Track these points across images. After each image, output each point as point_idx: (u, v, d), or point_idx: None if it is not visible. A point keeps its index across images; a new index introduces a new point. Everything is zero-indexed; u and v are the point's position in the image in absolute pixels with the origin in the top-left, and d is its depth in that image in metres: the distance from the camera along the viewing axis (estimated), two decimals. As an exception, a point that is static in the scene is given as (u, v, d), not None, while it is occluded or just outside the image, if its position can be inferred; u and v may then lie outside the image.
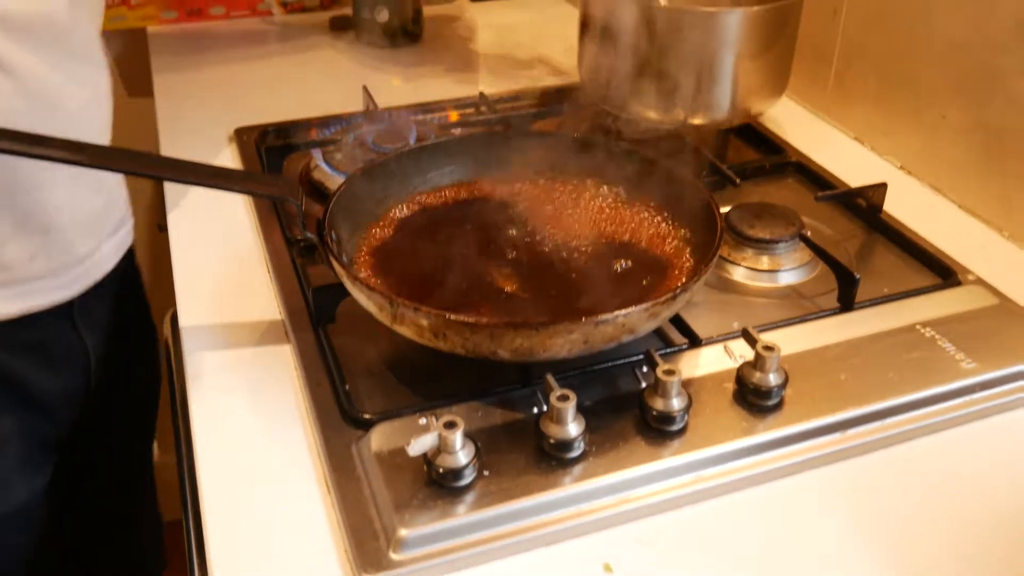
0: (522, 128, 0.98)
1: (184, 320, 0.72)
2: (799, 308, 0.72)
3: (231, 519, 0.55)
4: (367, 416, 0.60)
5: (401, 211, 0.76)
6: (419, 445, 0.53)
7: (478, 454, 0.55)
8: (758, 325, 0.67)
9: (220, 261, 0.79)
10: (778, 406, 0.60)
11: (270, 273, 0.77)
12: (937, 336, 0.67)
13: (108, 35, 1.46)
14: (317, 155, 0.90)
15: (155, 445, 1.70)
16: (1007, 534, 0.54)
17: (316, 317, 0.68)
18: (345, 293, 0.65)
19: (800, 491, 0.57)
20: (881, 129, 0.97)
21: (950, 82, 0.87)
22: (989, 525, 0.55)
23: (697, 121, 0.92)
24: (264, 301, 0.74)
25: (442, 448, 0.54)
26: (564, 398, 0.55)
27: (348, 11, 1.29)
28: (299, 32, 1.32)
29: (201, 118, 1.05)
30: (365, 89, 1.02)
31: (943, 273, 0.75)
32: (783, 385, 0.60)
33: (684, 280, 0.63)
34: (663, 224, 0.74)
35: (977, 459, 0.60)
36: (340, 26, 1.31)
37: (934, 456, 0.60)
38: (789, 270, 0.77)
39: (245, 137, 0.98)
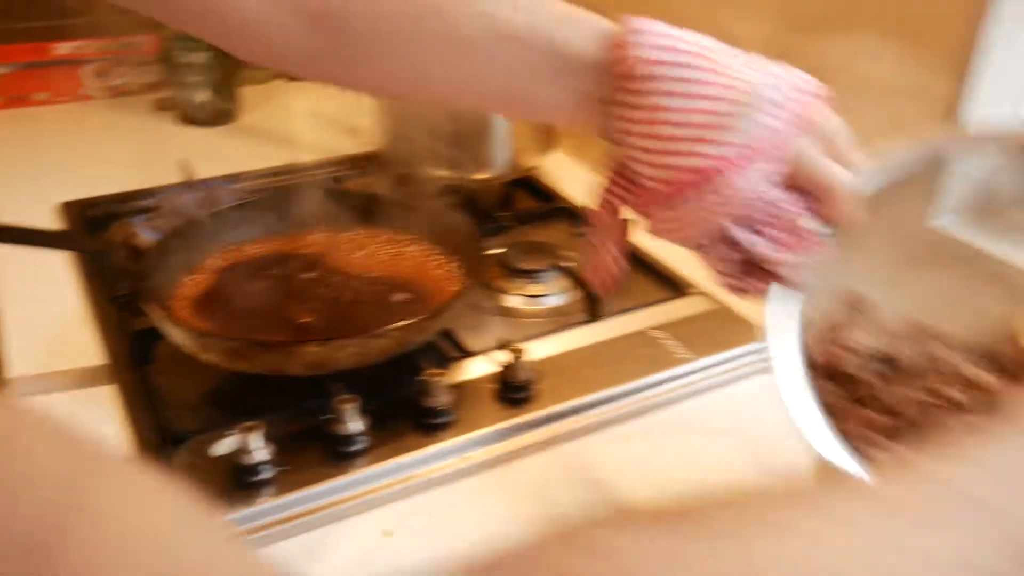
0: (320, 185, 1.09)
1: (16, 371, 0.79)
2: (558, 324, 0.87)
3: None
4: (178, 434, 0.69)
5: (213, 263, 0.86)
6: (223, 446, 0.63)
7: (276, 453, 0.66)
8: (523, 338, 0.81)
9: (47, 317, 0.87)
10: (529, 398, 0.74)
11: (93, 325, 0.85)
12: (662, 336, 0.83)
13: None
14: (138, 222, 0.99)
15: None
16: (715, 479, 0.69)
17: (135, 357, 0.78)
18: (160, 335, 0.75)
19: (548, 464, 0.71)
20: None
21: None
22: (700, 477, 0.70)
23: (481, 176, 1.08)
24: (88, 349, 0.82)
25: (242, 448, 0.64)
26: (348, 400, 0.67)
27: (170, 93, 1.39)
28: (123, 114, 1.41)
29: (28, 194, 1.11)
30: (184, 162, 1.12)
31: (674, 287, 0.92)
32: (534, 381, 0.74)
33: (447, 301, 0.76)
34: (440, 260, 0.88)
35: (690, 430, 0.75)
36: (163, 107, 1.40)
37: (658, 429, 0.75)
38: (554, 295, 0.92)
39: (71, 210, 1.06)
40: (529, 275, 0.92)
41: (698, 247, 0.54)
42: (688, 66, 0.48)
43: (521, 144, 1.08)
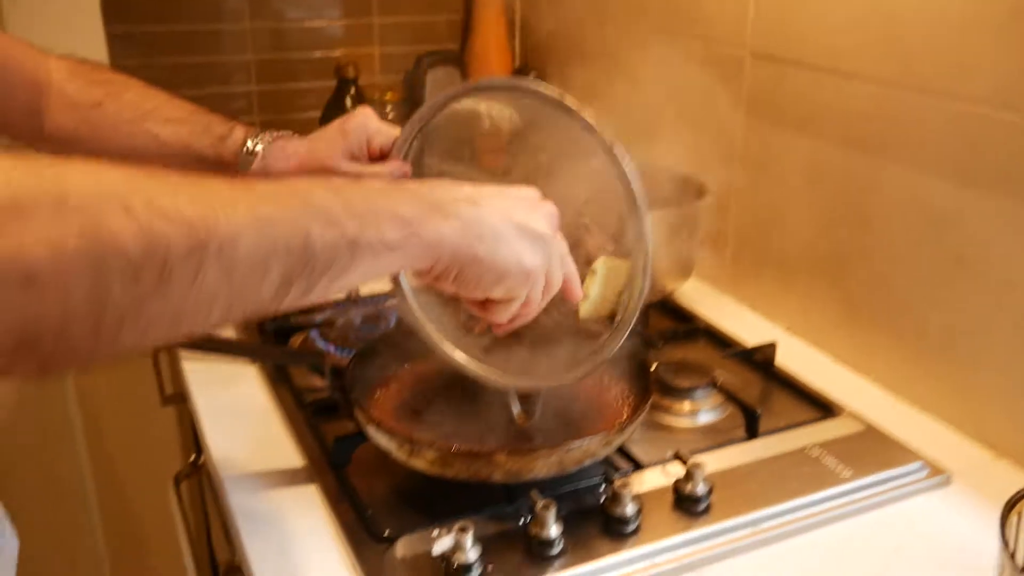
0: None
1: (222, 471, 0.87)
2: (716, 439, 0.92)
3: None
4: (388, 533, 0.75)
5: (404, 375, 0.94)
6: (440, 546, 0.69)
7: (484, 553, 0.71)
8: (687, 452, 0.86)
9: (242, 421, 0.95)
10: (707, 509, 0.79)
11: (287, 429, 0.93)
12: (822, 455, 0.87)
13: None
14: (315, 334, 1.09)
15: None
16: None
17: (336, 460, 0.85)
18: (361, 440, 0.82)
19: (729, 573, 0.75)
20: (769, 300, 1.21)
21: (811, 265, 1.12)
22: (869, 589, 0.73)
23: (624, 298, 1.15)
24: (287, 452, 0.90)
25: (457, 547, 0.70)
26: (547, 507, 0.73)
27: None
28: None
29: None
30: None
31: (824, 409, 0.97)
32: (709, 492, 0.79)
33: (629, 415, 0.82)
34: (607, 380, 0.94)
35: (856, 545, 0.79)
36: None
37: (825, 543, 0.79)
38: (706, 411, 0.97)
39: (253, 320, 1.16)
40: (682, 392, 0.98)
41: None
42: None
43: (661, 269, 1.16)
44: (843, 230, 1.07)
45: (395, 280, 0.73)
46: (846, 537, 0.79)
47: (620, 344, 0.79)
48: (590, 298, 0.89)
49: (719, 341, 1.13)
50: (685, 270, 1.20)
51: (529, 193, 0.66)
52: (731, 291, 1.29)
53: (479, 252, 0.59)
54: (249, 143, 0.85)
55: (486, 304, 0.66)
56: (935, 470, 0.87)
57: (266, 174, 0.82)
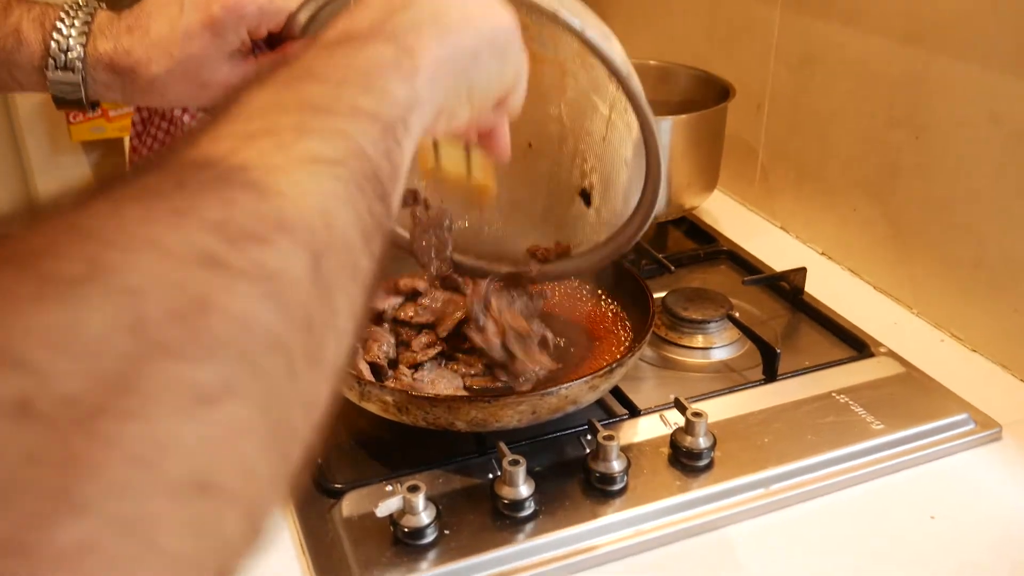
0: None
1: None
2: (729, 380, 0.80)
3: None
4: (337, 485, 0.65)
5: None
6: (385, 507, 0.59)
7: (439, 515, 0.61)
8: (691, 396, 0.75)
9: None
10: (708, 466, 0.67)
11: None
12: (851, 402, 0.75)
13: (87, 145, 1.55)
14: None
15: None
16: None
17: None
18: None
19: (730, 542, 0.64)
20: (803, 219, 1.07)
21: (857, 180, 0.97)
22: (899, 569, 0.62)
23: (637, 215, 1.02)
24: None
25: (407, 509, 0.60)
26: (515, 463, 0.62)
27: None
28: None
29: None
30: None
31: (857, 347, 0.84)
32: (712, 447, 0.68)
33: (619, 356, 0.71)
34: (604, 307, 0.82)
35: (886, 511, 0.67)
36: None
37: (849, 508, 0.67)
38: (720, 347, 0.85)
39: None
40: (693, 324, 0.86)
41: None
42: None
43: (681, 182, 1.02)
44: (895, 139, 0.91)
45: None
46: (874, 501, 0.68)
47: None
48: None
49: (744, 265, 1.00)
50: (707, 184, 1.06)
51: None
52: (760, 208, 1.14)
53: (477, 48, 0.46)
54: (56, 40, 0.59)
55: (497, 111, 0.51)
56: (984, 422, 0.74)
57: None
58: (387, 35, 0.40)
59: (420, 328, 0.77)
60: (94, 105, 0.62)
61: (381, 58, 0.38)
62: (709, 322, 0.85)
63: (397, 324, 0.78)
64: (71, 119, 1.47)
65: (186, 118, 0.92)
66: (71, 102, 0.61)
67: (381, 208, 0.32)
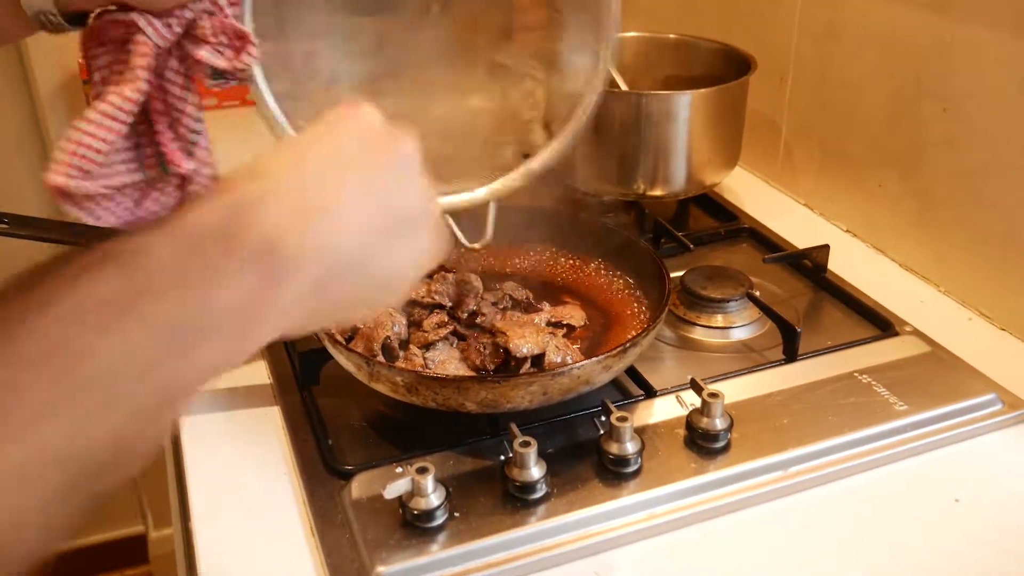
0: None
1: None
2: (748, 361, 0.78)
3: (225, 565, 0.60)
4: (347, 467, 0.65)
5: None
6: (394, 489, 0.58)
7: (449, 497, 0.60)
8: (709, 377, 0.73)
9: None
10: (725, 448, 0.66)
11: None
12: (873, 382, 0.73)
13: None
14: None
15: (150, 521, 1.73)
16: (940, 562, 0.59)
17: (302, 379, 0.74)
18: (328, 356, 0.71)
19: (746, 526, 0.62)
20: (827, 196, 1.05)
21: (883, 155, 0.95)
22: (921, 554, 0.60)
23: (656, 193, 1.00)
24: (254, 367, 0.79)
25: (415, 492, 0.59)
26: (526, 444, 0.61)
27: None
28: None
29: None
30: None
31: (882, 326, 0.82)
32: (729, 429, 0.66)
33: (634, 335, 0.69)
34: (621, 286, 0.81)
35: (909, 494, 0.65)
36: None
37: (870, 492, 0.65)
38: (740, 327, 0.83)
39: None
40: (712, 304, 0.84)
41: None
42: None
43: (701, 158, 1.00)
44: (922, 112, 0.89)
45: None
46: (896, 484, 0.66)
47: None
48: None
49: (766, 243, 0.98)
50: (729, 160, 1.03)
51: (371, 129, 0.43)
52: (783, 185, 1.12)
53: (345, 294, 0.40)
54: None
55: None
56: (1013, 403, 0.72)
57: None
58: (253, 250, 0.35)
59: (432, 308, 0.76)
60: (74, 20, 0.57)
61: (238, 298, 0.34)
62: (728, 301, 0.83)
63: (410, 304, 0.77)
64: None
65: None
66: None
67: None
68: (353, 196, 0.40)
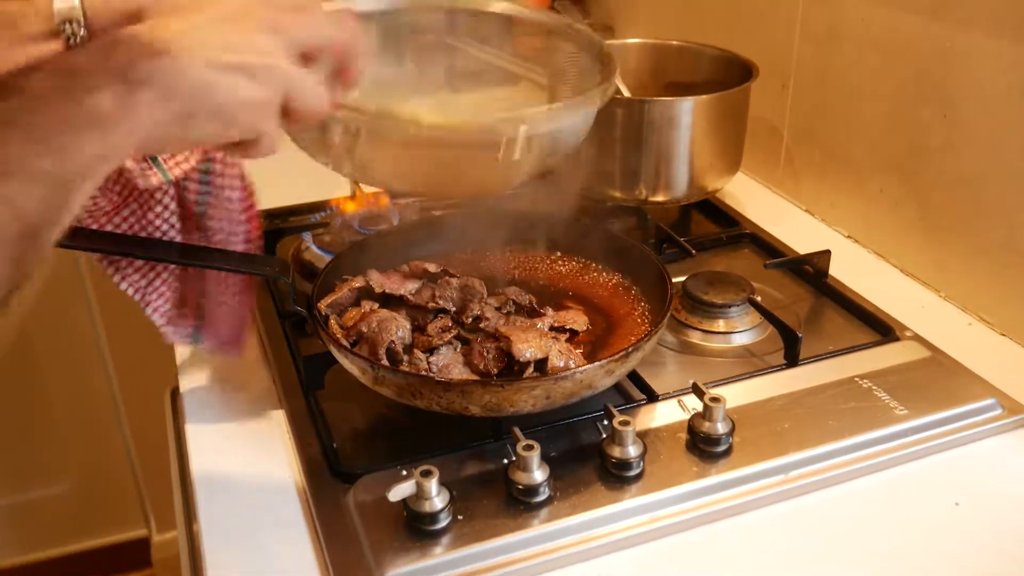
0: (493, 207, 1.05)
1: (185, 391, 0.78)
2: (750, 365, 0.79)
3: (231, 567, 0.60)
4: (352, 470, 0.65)
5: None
6: (398, 491, 0.59)
7: (452, 500, 0.61)
8: (711, 381, 0.74)
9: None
10: (726, 452, 0.66)
11: (265, 346, 0.83)
12: (874, 387, 0.73)
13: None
14: (307, 238, 0.97)
15: (152, 524, 1.74)
16: (940, 565, 0.60)
17: (306, 383, 0.75)
18: (332, 361, 0.71)
19: (747, 529, 0.63)
20: (828, 201, 1.05)
21: (884, 160, 0.95)
22: (922, 557, 0.60)
23: (658, 199, 1.00)
24: (258, 372, 0.80)
25: (419, 495, 0.59)
26: (529, 447, 0.62)
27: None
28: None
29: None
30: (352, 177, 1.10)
31: (882, 331, 0.82)
32: (730, 433, 0.67)
33: (636, 340, 0.70)
34: (623, 291, 0.81)
35: (909, 498, 0.65)
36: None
37: (870, 496, 0.66)
38: (742, 332, 0.84)
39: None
40: (713, 309, 0.85)
41: None
42: None
43: (703, 164, 1.00)
44: (923, 117, 0.89)
45: None
46: (896, 488, 0.66)
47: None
48: None
49: (767, 249, 0.98)
50: (730, 166, 1.04)
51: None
52: (784, 191, 1.12)
53: (194, 112, 0.48)
54: None
55: (239, 146, 0.53)
56: (1013, 408, 0.72)
57: None
58: (112, 75, 0.44)
59: (436, 313, 0.77)
60: None
61: (94, 109, 0.43)
62: (730, 306, 0.84)
63: (414, 309, 0.77)
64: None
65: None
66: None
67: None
68: (206, 35, 0.48)
